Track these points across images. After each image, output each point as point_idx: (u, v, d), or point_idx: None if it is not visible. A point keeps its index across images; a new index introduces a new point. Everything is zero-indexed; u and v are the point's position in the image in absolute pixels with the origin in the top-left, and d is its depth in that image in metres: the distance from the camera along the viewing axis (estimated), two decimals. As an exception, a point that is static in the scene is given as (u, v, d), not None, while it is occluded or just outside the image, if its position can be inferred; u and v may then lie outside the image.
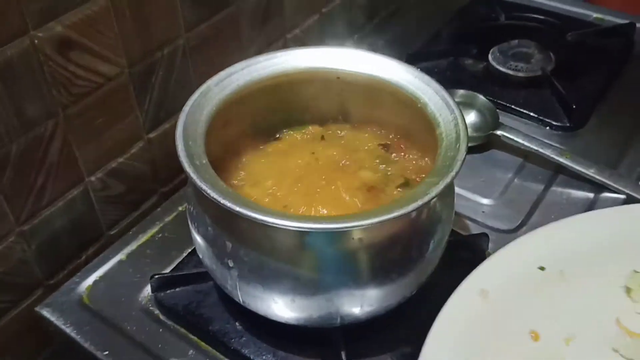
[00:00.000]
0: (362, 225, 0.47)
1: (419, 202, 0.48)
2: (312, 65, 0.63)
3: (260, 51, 0.85)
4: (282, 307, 0.54)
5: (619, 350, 0.55)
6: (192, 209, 0.56)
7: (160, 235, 0.72)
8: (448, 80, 0.90)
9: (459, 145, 0.53)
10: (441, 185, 0.49)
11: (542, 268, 0.60)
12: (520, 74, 0.91)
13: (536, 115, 0.86)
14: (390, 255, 0.52)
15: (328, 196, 0.58)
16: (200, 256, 0.58)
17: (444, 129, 0.56)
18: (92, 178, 0.70)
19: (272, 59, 0.63)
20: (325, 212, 0.56)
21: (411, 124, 0.62)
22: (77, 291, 0.66)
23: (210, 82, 0.59)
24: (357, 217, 0.47)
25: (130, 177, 0.74)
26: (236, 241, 0.52)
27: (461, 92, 0.85)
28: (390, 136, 0.65)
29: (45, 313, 0.64)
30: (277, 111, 0.67)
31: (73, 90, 0.63)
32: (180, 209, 0.75)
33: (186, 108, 0.56)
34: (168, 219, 0.74)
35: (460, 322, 0.55)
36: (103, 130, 0.69)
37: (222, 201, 0.48)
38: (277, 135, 0.66)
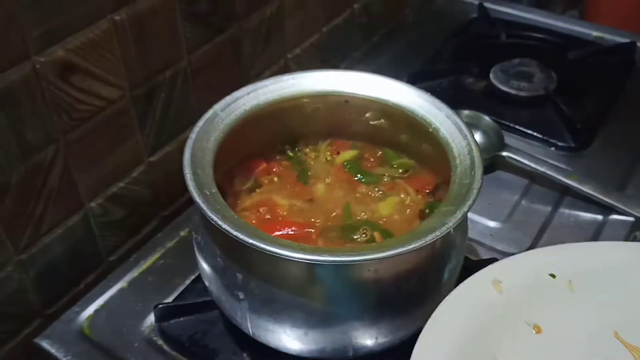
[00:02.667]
0: (378, 259, 0.45)
1: (437, 233, 0.47)
2: (319, 89, 0.62)
3: (261, 72, 0.84)
4: (294, 340, 0.52)
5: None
6: (199, 238, 0.55)
7: (162, 261, 0.70)
8: (450, 99, 0.88)
9: (474, 173, 0.52)
10: (458, 215, 0.48)
11: (552, 275, 0.59)
12: (522, 93, 0.90)
13: (541, 136, 0.85)
14: (405, 286, 0.51)
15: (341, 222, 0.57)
16: (207, 285, 0.57)
17: (458, 155, 0.54)
18: (92, 204, 0.68)
19: (279, 82, 0.61)
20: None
21: (422, 148, 0.61)
22: (77, 321, 0.64)
23: (217, 108, 0.58)
24: (372, 249, 0.46)
25: (130, 201, 0.72)
26: (247, 273, 0.50)
27: (466, 112, 0.84)
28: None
29: (45, 345, 0.62)
30: (285, 135, 0.66)
31: (74, 114, 0.61)
32: (182, 234, 0.73)
33: (193, 135, 0.55)
34: (170, 244, 0.72)
35: (468, 303, 0.54)
36: (104, 155, 0.67)
37: (235, 233, 0.46)
38: (288, 154, 0.65)
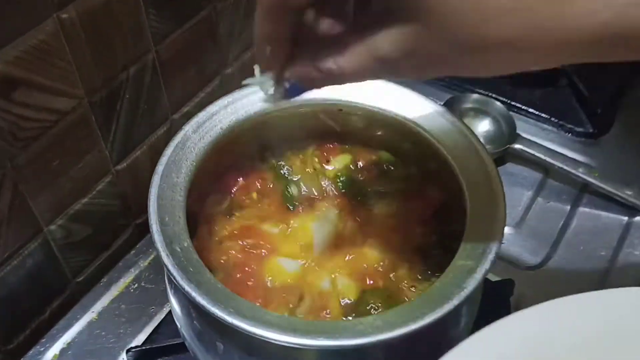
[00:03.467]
0: (383, 341, 0.38)
1: (454, 302, 0.39)
2: (310, 97, 0.52)
3: (240, 55, 0.74)
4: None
5: None
6: (173, 291, 0.47)
7: (135, 285, 0.63)
8: (455, 78, 0.80)
9: (494, 212, 0.44)
10: (478, 275, 0.40)
11: None
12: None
13: (556, 120, 0.77)
14: (414, 352, 0.43)
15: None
16: (186, 342, 0.49)
17: (474, 187, 0.46)
18: (52, 227, 0.59)
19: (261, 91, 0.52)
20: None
21: (429, 162, 0.52)
22: (41, 363, 0.57)
23: (188, 129, 0.49)
24: (377, 329, 0.38)
25: (97, 217, 0.64)
26: (229, 344, 0.42)
27: (475, 96, 0.75)
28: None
29: (6, 394, 0.55)
30: (265, 145, 0.56)
31: (20, 135, 0.52)
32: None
33: (159, 169, 0.46)
34: (144, 263, 0.64)
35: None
36: (62, 172, 0.58)
37: (212, 310, 0.38)
38: (268, 164, 0.56)
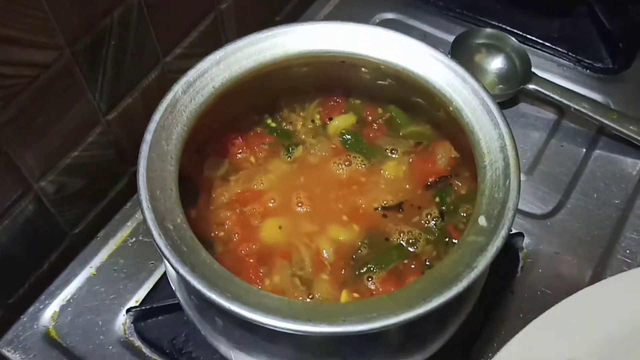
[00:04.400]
0: (387, 327, 0.36)
1: (463, 284, 0.37)
2: (308, 48, 0.48)
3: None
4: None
5: None
6: (171, 271, 0.45)
7: (133, 239, 0.61)
8: (466, 6, 0.75)
9: (508, 182, 0.41)
10: (491, 252, 0.38)
11: None
12: (553, -7, 0.75)
13: (573, 55, 0.72)
14: (420, 332, 0.42)
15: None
16: (185, 313, 0.48)
17: (487, 152, 0.43)
18: (42, 183, 0.57)
19: (256, 43, 0.48)
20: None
21: (439, 115, 0.48)
22: (41, 322, 0.56)
23: (177, 89, 0.45)
24: (380, 311, 0.36)
25: (90, 168, 0.61)
26: (228, 321, 0.41)
27: (488, 31, 0.70)
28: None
29: (7, 353, 0.55)
30: (264, 101, 0.53)
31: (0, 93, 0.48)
32: (154, 202, 0.63)
33: (148, 137, 0.43)
34: (140, 216, 0.62)
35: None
36: (47, 128, 0.55)
37: (207, 293, 0.36)
38: (268, 124, 0.53)
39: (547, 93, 0.66)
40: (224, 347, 0.45)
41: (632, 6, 0.72)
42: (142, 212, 0.40)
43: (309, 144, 0.52)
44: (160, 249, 0.38)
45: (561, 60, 0.72)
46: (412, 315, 0.36)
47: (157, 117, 0.43)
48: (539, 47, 0.73)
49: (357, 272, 0.44)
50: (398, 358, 0.43)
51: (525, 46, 0.72)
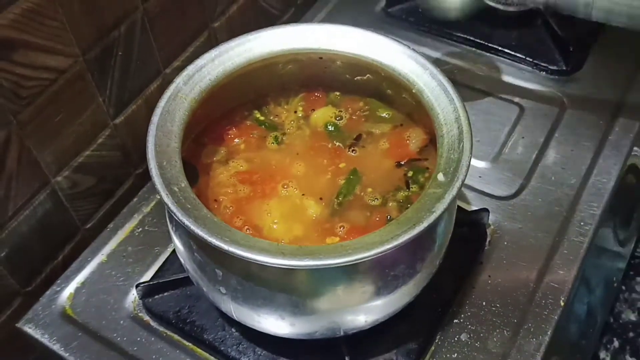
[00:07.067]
0: (362, 259, 0.42)
1: (424, 225, 0.44)
2: (290, 47, 0.56)
3: (226, 9, 0.77)
4: (282, 327, 0.51)
5: None
6: (174, 228, 0.52)
7: (140, 229, 0.68)
8: (435, 20, 0.83)
9: (462, 145, 0.48)
10: (447, 200, 0.45)
11: None
12: (510, 9, 0.84)
13: (531, 59, 0.80)
14: (393, 272, 0.48)
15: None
16: (188, 272, 0.54)
17: (444, 123, 0.50)
18: (59, 178, 0.64)
19: (246, 43, 0.56)
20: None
21: (410, 104, 0.56)
22: (58, 302, 0.62)
23: (179, 81, 0.53)
24: (356, 248, 0.43)
25: (99, 168, 0.68)
26: (227, 270, 0.48)
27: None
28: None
29: (28, 329, 0.61)
30: (253, 95, 0.61)
31: (22, 93, 0.56)
32: (157, 196, 0.70)
33: (155, 119, 0.50)
34: (146, 209, 0.69)
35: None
36: (64, 127, 0.62)
37: (209, 239, 0.43)
38: (257, 117, 0.60)
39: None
40: (224, 303, 0.51)
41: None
42: (152, 179, 0.46)
43: (294, 135, 0.59)
44: (168, 206, 0.45)
45: (520, 65, 0.81)
46: (382, 249, 0.42)
47: (162, 103, 0.51)
48: (500, 54, 0.81)
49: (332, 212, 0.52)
50: (373, 303, 0.49)
51: (489, 53, 0.81)
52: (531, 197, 0.68)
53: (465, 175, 0.46)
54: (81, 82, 0.61)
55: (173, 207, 0.44)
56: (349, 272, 0.46)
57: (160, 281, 0.61)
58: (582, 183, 0.69)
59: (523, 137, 0.74)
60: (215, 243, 0.43)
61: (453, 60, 0.82)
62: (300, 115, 0.60)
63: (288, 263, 0.42)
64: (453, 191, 0.45)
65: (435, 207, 0.45)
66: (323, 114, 0.60)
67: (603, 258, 0.78)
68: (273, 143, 0.58)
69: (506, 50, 0.81)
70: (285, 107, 0.61)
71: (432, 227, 0.45)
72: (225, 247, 0.42)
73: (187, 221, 0.44)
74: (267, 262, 0.42)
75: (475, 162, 0.72)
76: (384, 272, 0.47)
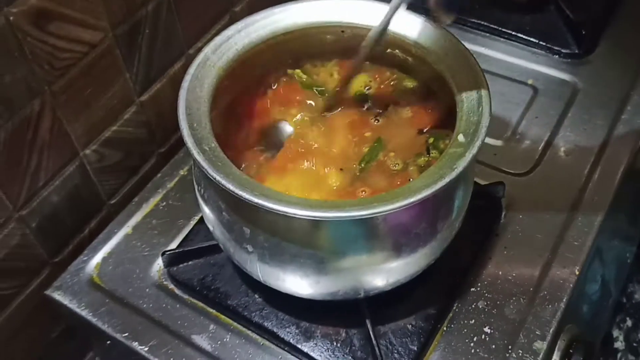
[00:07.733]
0: (387, 212, 0.44)
1: (447, 180, 0.45)
2: (313, 20, 0.58)
3: (248, -7, 0.79)
4: (305, 287, 0.53)
5: None
6: (202, 191, 0.53)
7: (164, 203, 0.70)
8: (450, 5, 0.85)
9: (481, 109, 0.50)
10: (467, 158, 0.47)
11: None
12: (523, -5, 0.86)
13: (544, 43, 0.82)
14: (415, 229, 0.50)
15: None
16: (214, 234, 0.56)
17: (464, 88, 0.52)
18: (87, 151, 0.66)
19: (270, 16, 0.58)
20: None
21: (424, 79, 0.58)
22: (86, 270, 0.64)
23: (207, 50, 0.55)
24: (381, 201, 0.45)
25: (125, 143, 0.70)
26: (255, 227, 0.49)
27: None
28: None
29: (57, 296, 0.63)
30: (285, 62, 0.62)
31: (57, 64, 0.58)
32: (181, 172, 0.72)
33: (185, 84, 0.52)
34: (170, 185, 0.71)
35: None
36: (93, 100, 0.64)
37: (239, 192, 0.45)
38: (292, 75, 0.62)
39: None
40: (250, 263, 0.53)
41: (592, 0, 0.83)
42: (184, 139, 0.48)
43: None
44: (199, 163, 0.47)
45: (534, 49, 0.82)
46: (407, 202, 0.44)
47: (191, 70, 0.53)
48: (514, 39, 0.83)
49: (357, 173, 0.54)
50: (395, 263, 0.51)
51: (502, 39, 0.83)
52: (545, 174, 0.70)
53: (485, 136, 0.48)
54: (110, 57, 0.64)
55: (204, 164, 0.46)
56: (373, 228, 0.48)
57: (186, 249, 0.63)
58: (595, 160, 0.70)
59: (537, 117, 0.76)
60: (245, 196, 0.44)
61: (468, 45, 0.83)
62: (336, 78, 0.61)
63: (316, 214, 0.44)
64: (473, 150, 0.47)
65: (456, 163, 0.46)
66: (359, 81, 0.62)
67: (616, 236, 0.80)
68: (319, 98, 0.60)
69: (520, 35, 0.83)
70: (321, 68, 0.62)
71: (452, 186, 0.47)
72: (254, 199, 0.44)
73: (217, 176, 0.46)
74: (295, 214, 0.44)
75: (490, 141, 0.73)
76: (406, 230, 0.49)
